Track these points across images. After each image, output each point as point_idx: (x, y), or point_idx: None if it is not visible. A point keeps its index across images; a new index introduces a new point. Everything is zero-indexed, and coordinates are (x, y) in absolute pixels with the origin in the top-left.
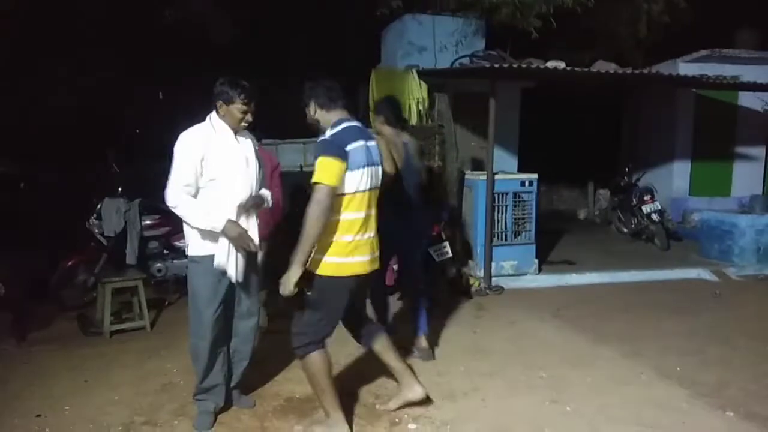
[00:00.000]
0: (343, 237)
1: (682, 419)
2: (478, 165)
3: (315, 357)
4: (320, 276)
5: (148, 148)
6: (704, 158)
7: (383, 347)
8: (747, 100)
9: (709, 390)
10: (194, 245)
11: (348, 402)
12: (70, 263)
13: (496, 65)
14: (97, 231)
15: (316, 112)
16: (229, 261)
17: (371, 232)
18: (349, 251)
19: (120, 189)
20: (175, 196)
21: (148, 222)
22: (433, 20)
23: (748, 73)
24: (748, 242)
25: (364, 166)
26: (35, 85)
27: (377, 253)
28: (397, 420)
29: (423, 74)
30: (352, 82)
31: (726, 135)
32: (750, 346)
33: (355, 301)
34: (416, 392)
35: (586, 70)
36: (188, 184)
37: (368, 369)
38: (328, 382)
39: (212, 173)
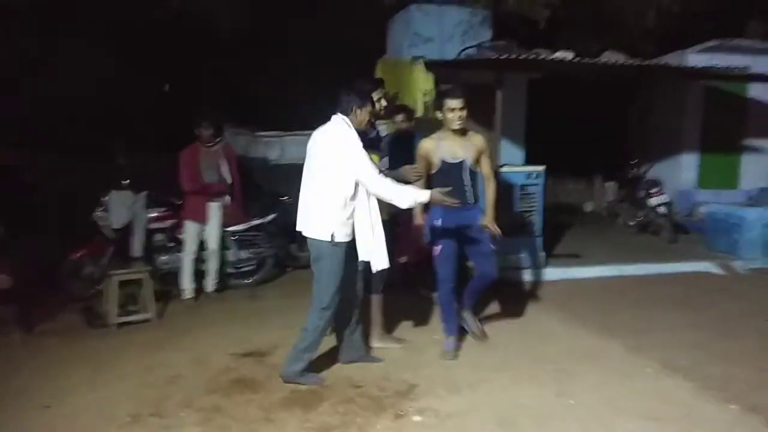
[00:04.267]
0: None
1: (686, 412)
2: None
3: None
4: None
5: (155, 141)
6: (712, 150)
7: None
8: (756, 91)
9: (714, 383)
10: (339, 233)
11: (350, 394)
12: (76, 255)
13: (503, 56)
14: (103, 223)
15: None
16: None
17: None
18: None
19: (126, 182)
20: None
21: (153, 215)
22: (440, 10)
23: (758, 64)
24: (755, 235)
25: None
26: (41, 78)
27: None
28: (401, 412)
29: (429, 65)
30: (357, 73)
31: (735, 127)
32: (756, 339)
33: None
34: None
35: (594, 61)
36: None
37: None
38: None
39: None
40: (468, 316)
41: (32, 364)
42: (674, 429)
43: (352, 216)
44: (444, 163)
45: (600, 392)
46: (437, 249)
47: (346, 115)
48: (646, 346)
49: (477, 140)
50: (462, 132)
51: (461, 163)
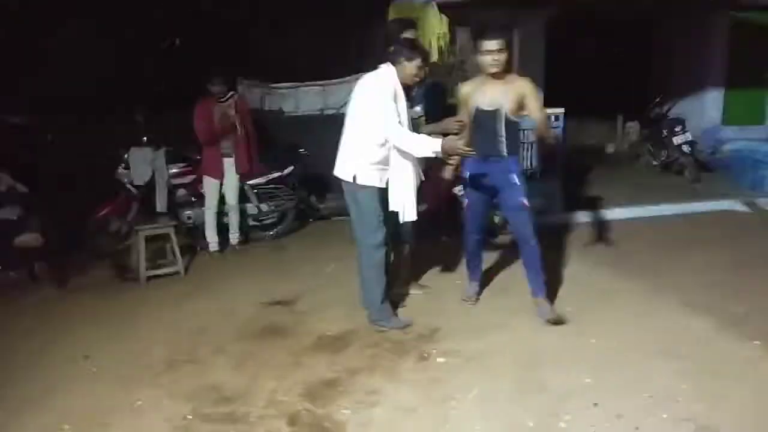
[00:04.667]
0: None
1: (708, 349)
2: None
3: None
4: None
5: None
6: (738, 86)
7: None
8: None
9: (736, 320)
10: (362, 176)
11: (376, 338)
12: (102, 213)
13: None
14: (126, 180)
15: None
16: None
17: None
18: None
19: (145, 138)
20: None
21: (174, 170)
22: None
23: None
24: None
25: None
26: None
27: None
28: (425, 354)
29: (444, 7)
30: (367, 19)
31: (762, 60)
32: None
33: None
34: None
35: None
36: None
37: (396, 306)
38: None
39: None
40: (541, 303)
41: (68, 318)
42: (696, 366)
43: (383, 163)
44: (477, 110)
45: (620, 331)
46: (465, 201)
47: (394, 65)
48: (668, 285)
49: (519, 84)
50: (502, 76)
51: (496, 111)
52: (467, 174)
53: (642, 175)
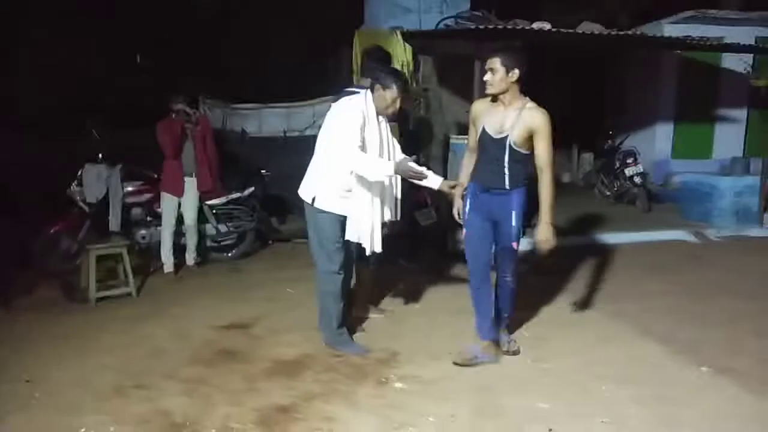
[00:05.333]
0: None
1: (659, 375)
2: (462, 129)
3: None
4: None
5: (131, 116)
6: (686, 121)
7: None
8: (730, 61)
9: (686, 347)
10: (322, 200)
11: (333, 362)
12: (52, 230)
13: (481, 26)
14: (78, 198)
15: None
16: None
17: None
18: None
19: (101, 155)
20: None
21: (130, 189)
22: None
23: (732, 34)
24: (727, 204)
25: None
26: (15, 54)
27: None
28: (383, 379)
29: (407, 36)
30: (334, 44)
31: (708, 97)
32: (727, 304)
33: None
34: None
35: (571, 31)
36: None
37: (355, 330)
38: None
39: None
40: (502, 332)
41: (11, 339)
42: (648, 392)
43: (346, 191)
44: (484, 133)
45: (575, 357)
46: (463, 231)
47: (372, 92)
48: (622, 312)
49: (531, 116)
50: (514, 101)
51: (503, 140)
52: (468, 203)
53: (596, 204)
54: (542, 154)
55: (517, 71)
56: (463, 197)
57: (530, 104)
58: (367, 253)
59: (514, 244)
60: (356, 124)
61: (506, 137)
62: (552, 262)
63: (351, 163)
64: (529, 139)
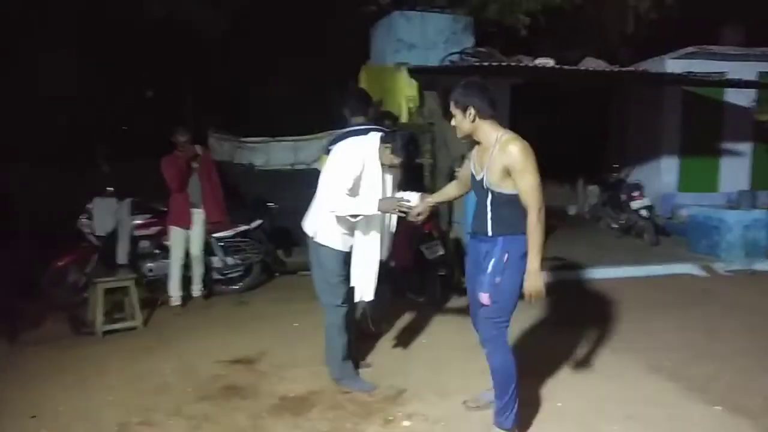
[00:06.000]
0: None
1: (671, 413)
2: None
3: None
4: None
5: (139, 148)
6: (692, 154)
7: None
8: (733, 96)
9: (697, 384)
10: (323, 236)
11: (340, 399)
12: (60, 263)
13: (486, 63)
14: (87, 231)
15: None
16: None
17: None
18: None
19: (110, 189)
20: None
21: (138, 221)
22: (422, 17)
23: (734, 69)
24: (735, 237)
25: None
26: (20, 81)
27: None
28: (390, 418)
29: (413, 72)
30: (341, 80)
31: (713, 131)
32: (737, 339)
33: None
34: None
35: (574, 68)
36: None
37: (360, 366)
38: None
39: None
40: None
41: (18, 373)
42: (659, 431)
43: (347, 227)
44: (471, 175)
45: (585, 395)
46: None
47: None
48: (629, 347)
49: (501, 151)
50: (486, 138)
51: (481, 181)
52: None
53: (602, 237)
54: (523, 191)
55: (471, 109)
56: (424, 211)
57: (505, 136)
58: (356, 299)
59: (483, 296)
60: (350, 168)
61: (483, 178)
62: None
63: (332, 206)
64: (505, 178)
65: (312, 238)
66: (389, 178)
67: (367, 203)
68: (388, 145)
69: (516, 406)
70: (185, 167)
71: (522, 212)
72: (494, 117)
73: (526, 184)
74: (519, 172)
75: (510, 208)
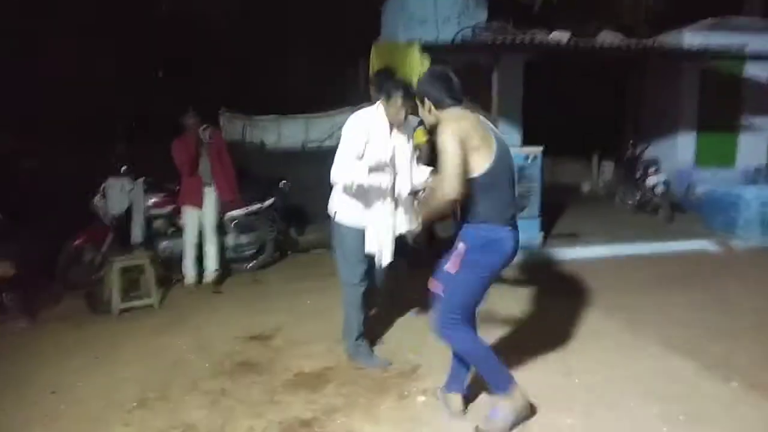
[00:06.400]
0: None
1: (689, 390)
2: None
3: None
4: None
5: (152, 128)
6: (709, 129)
7: None
8: (753, 69)
9: (715, 360)
10: (341, 213)
11: (354, 375)
12: (76, 242)
13: (499, 39)
14: (102, 210)
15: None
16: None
17: None
18: None
19: (123, 168)
20: None
21: (152, 201)
22: None
23: (755, 42)
24: (753, 214)
25: None
26: (36, 64)
27: None
28: (405, 393)
29: (425, 48)
30: (352, 57)
31: (731, 105)
32: (754, 316)
33: None
34: None
35: (590, 43)
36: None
37: (376, 342)
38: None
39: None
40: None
41: (37, 350)
42: (677, 407)
43: (363, 203)
44: None
45: (601, 371)
46: None
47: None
48: (647, 324)
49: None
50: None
51: None
52: None
53: (617, 214)
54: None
55: (426, 99)
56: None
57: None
58: (377, 265)
59: (434, 282)
60: (352, 139)
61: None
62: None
63: (333, 176)
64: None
65: (333, 217)
66: (405, 148)
67: (360, 171)
68: (423, 128)
69: (502, 368)
70: (195, 152)
71: (483, 197)
72: (456, 104)
73: (442, 160)
74: (440, 147)
75: (471, 195)
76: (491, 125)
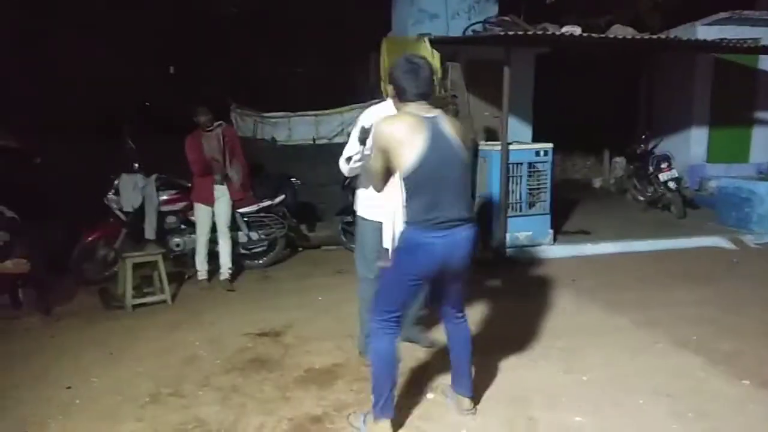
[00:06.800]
0: None
1: (697, 387)
2: (492, 135)
3: None
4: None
5: (164, 124)
6: (722, 124)
7: None
8: (766, 63)
9: (724, 358)
10: (361, 208)
11: (364, 372)
12: (90, 238)
13: (510, 32)
14: (115, 206)
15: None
16: None
17: None
18: None
19: (136, 165)
20: None
21: (165, 197)
22: None
23: None
24: (766, 209)
25: None
26: (48, 60)
27: None
28: (414, 390)
29: (435, 42)
30: (362, 52)
31: (745, 100)
32: (766, 313)
33: None
34: None
35: (602, 36)
36: None
37: None
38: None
39: None
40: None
41: (52, 345)
42: (686, 405)
43: (381, 198)
44: None
45: (610, 368)
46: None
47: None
48: (656, 321)
49: None
50: None
51: None
52: None
53: (628, 210)
54: None
55: (390, 86)
56: None
57: None
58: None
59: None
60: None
61: None
62: None
63: (341, 165)
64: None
65: (357, 212)
66: None
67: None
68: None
69: (389, 396)
70: (207, 148)
71: (410, 199)
72: (419, 99)
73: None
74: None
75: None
76: (445, 126)
